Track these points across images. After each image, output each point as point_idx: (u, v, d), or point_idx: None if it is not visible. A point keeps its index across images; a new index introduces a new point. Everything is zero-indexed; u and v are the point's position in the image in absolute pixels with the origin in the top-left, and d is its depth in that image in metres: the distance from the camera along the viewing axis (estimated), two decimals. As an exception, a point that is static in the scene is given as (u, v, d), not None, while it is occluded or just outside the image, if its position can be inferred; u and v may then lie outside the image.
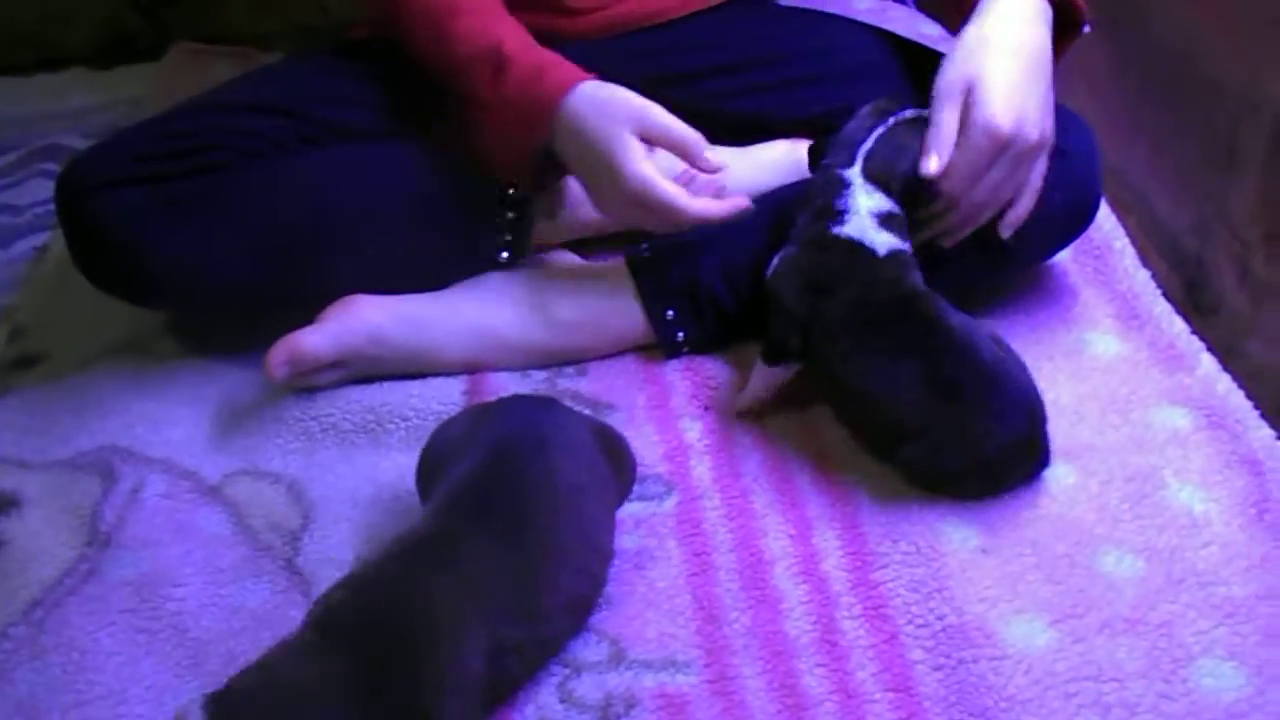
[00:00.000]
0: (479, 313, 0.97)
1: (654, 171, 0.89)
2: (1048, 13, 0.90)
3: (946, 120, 0.85)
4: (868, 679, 0.74)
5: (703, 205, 0.90)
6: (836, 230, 0.86)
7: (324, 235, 0.95)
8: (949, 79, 0.86)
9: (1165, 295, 1.00)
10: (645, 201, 0.89)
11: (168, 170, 0.93)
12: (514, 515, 0.72)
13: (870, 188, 0.87)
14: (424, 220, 0.98)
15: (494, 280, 0.99)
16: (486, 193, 0.98)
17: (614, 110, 0.89)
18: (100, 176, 0.92)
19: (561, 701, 0.73)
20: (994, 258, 0.93)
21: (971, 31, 0.88)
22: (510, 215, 0.99)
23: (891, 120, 0.89)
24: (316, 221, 0.95)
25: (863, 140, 0.88)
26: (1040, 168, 0.89)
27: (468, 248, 0.99)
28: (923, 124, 0.87)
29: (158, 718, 0.75)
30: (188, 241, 0.92)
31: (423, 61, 0.96)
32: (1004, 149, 0.85)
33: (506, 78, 0.91)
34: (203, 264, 0.93)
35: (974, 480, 0.84)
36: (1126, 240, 1.04)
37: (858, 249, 0.86)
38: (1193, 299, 1.00)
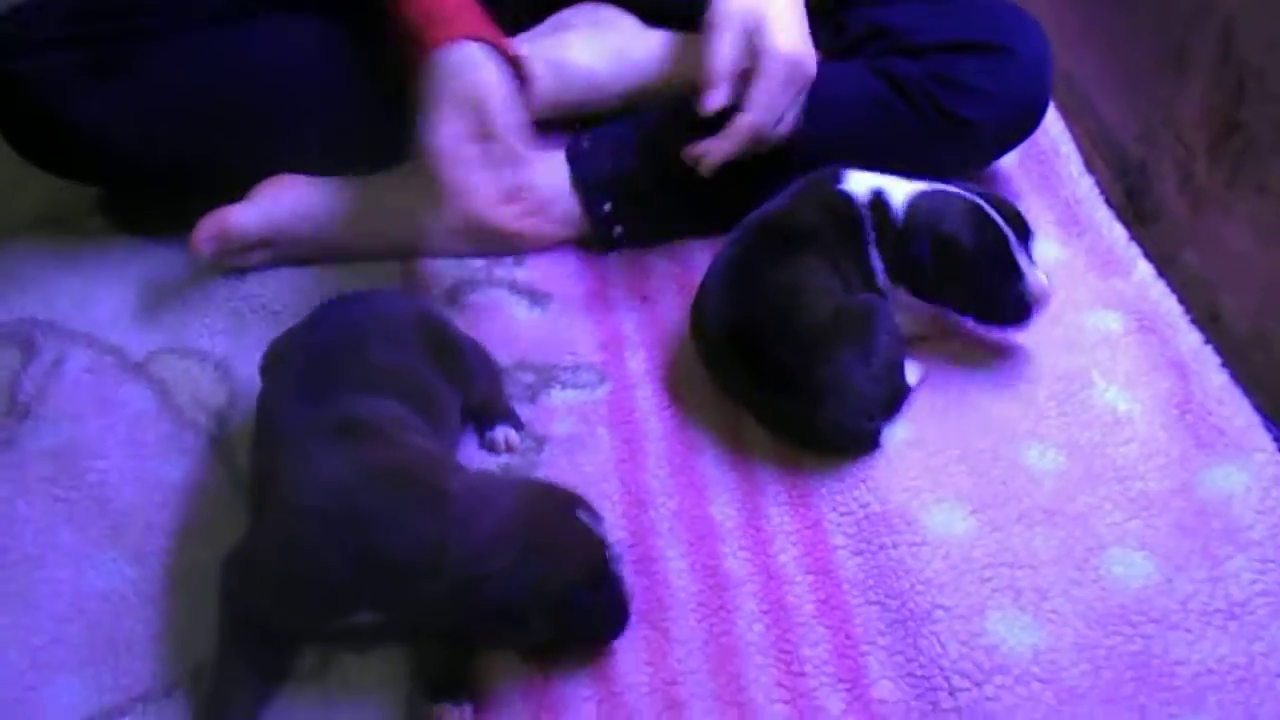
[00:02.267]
0: (416, 198, 0.95)
1: (455, 152, 0.84)
2: None
3: (726, 49, 0.84)
4: (789, 562, 0.75)
5: (496, 214, 0.87)
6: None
7: (253, 106, 0.92)
8: (728, 8, 0.84)
9: (1107, 202, 1.00)
10: (434, 173, 0.84)
11: (95, 32, 0.89)
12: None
13: None
14: (359, 97, 0.95)
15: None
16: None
17: (464, 75, 0.84)
18: (25, 36, 0.89)
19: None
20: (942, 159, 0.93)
21: None
22: None
23: None
24: (245, 91, 0.92)
25: None
26: (802, 98, 0.88)
27: (405, 129, 0.96)
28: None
29: (78, 584, 0.74)
30: (114, 106, 0.89)
31: None
32: (798, 79, 0.85)
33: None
34: (129, 132, 0.90)
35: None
36: (1073, 146, 1.04)
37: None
38: (1134, 206, 1.01)
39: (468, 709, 0.68)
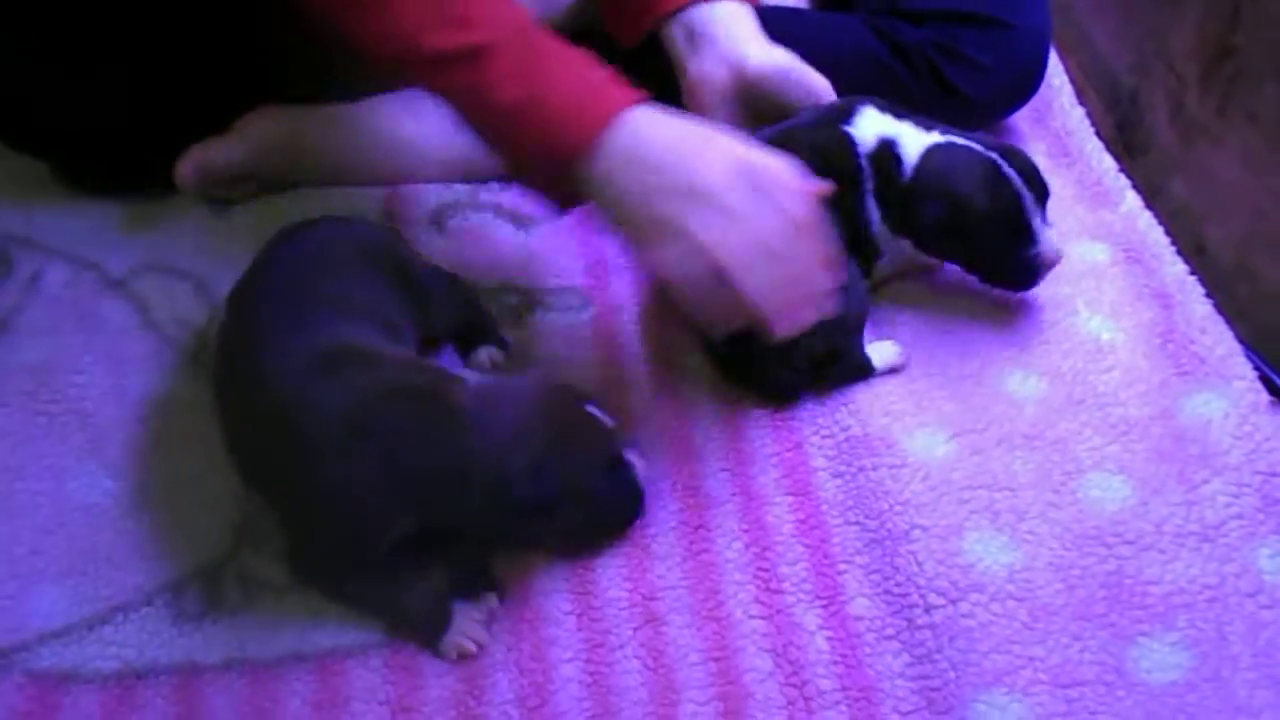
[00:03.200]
0: (400, 123, 0.94)
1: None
2: None
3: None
4: (769, 483, 0.76)
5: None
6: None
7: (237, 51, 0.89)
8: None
9: (1098, 134, 0.99)
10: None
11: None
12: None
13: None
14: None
15: (415, 91, 0.95)
16: None
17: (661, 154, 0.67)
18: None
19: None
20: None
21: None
22: None
23: None
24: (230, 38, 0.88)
25: None
26: None
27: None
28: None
29: (58, 495, 0.74)
30: (84, 81, 0.86)
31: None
32: None
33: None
34: (107, 104, 0.87)
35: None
36: (1065, 78, 1.03)
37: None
38: (1124, 138, 1.00)
39: (494, 601, 0.70)
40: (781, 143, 0.83)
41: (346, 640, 0.69)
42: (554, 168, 0.68)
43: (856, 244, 0.82)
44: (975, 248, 0.81)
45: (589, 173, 0.67)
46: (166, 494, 0.75)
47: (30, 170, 0.94)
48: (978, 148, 0.80)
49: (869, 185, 0.82)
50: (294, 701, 0.66)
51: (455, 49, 0.68)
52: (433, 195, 0.94)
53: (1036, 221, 0.79)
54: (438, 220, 0.93)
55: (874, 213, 0.82)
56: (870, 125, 0.81)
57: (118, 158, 0.91)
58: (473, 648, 0.68)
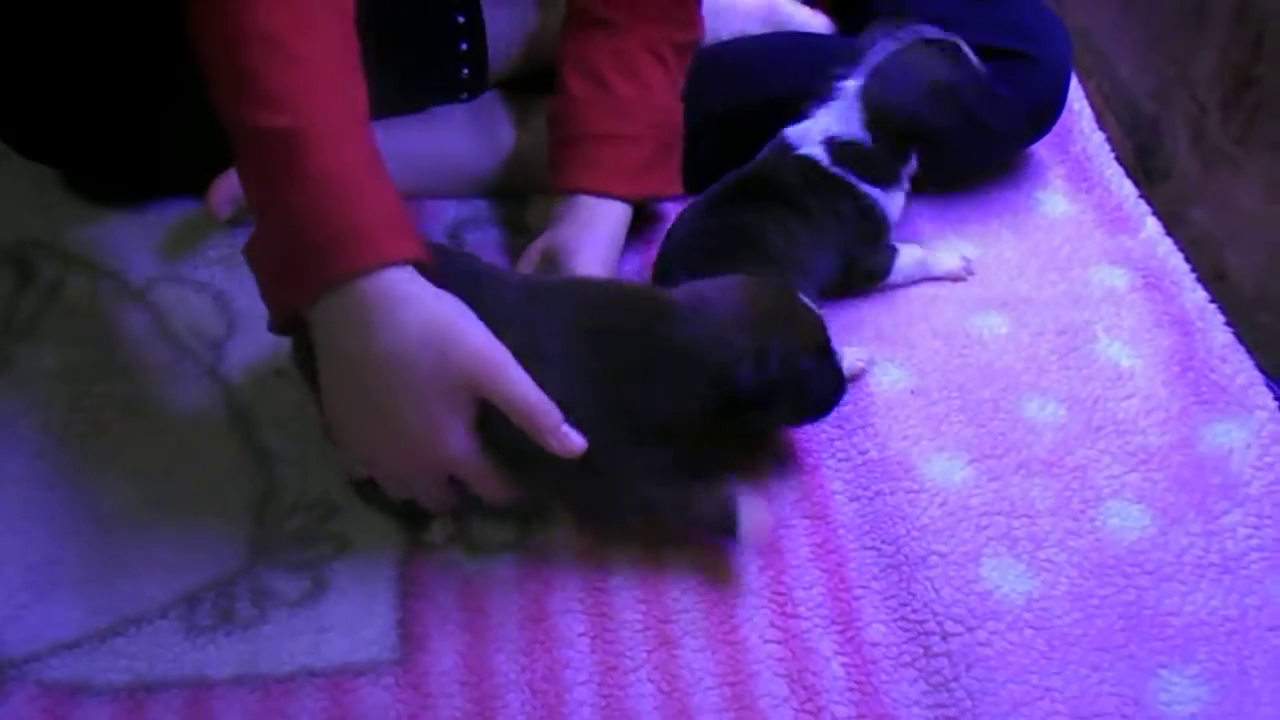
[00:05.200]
0: (426, 139, 0.94)
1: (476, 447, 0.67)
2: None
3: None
4: (786, 506, 0.75)
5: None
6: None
7: None
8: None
9: (1118, 159, 0.99)
10: (458, 473, 0.68)
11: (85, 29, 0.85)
12: None
13: (850, 111, 0.84)
14: (375, 55, 0.92)
15: (443, 108, 0.95)
16: (437, 21, 0.93)
17: (448, 349, 0.63)
18: (5, 33, 0.85)
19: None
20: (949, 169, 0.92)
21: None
22: (464, 47, 0.94)
23: (910, 37, 0.85)
24: None
25: (873, 54, 0.85)
26: None
27: (422, 84, 0.94)
28: (945, 49, 0.85)
29: (75, 505, 0.75)
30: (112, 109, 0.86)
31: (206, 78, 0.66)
32: None
33: (301, 185, 0.63)
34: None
35: None
36: (1085, 102, 1.03)
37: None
38: (1144, 164, 1.00)
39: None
40: (753, 183, 0.85)
41: (358, 657, 0.68)
42: (300, 281, 0.64)
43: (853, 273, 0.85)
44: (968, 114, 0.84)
45: (312, 316, 0.64)
46: (181, 506, 0.75)
47: (52, 177, 0.94)
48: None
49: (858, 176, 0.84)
50: (304, 718, 0.66)
51: (266, 127, 0.63)
52: (450, 210, 0.94)
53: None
54: (455, 234, 0.93)
55: (883, 199, 0.85)
56: (812, 136, 0.85)
57: (132, 168, 0.91)
58: (768, 520, 0.71)
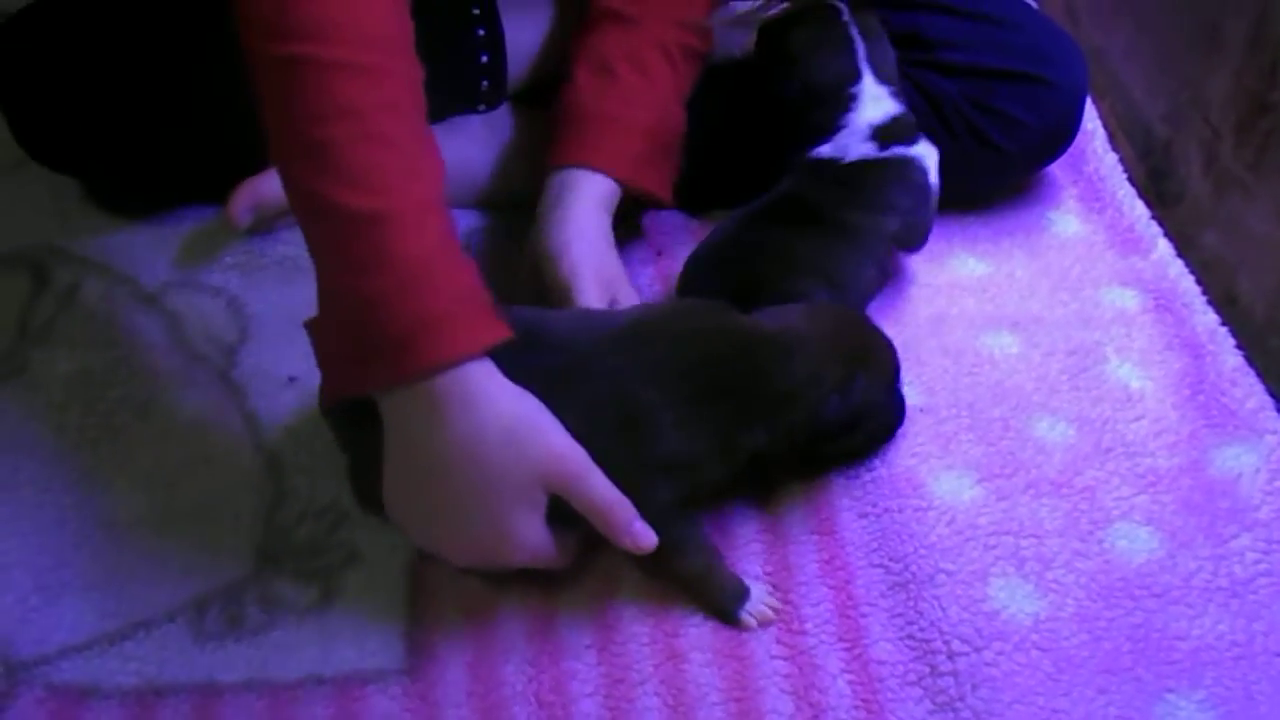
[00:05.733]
0: (446, 150, 0.94)
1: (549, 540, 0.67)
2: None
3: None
4: (794, 522, 0.75)
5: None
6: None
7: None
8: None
9: (1130, 180, 0.99)
10: (527, 564, 0.68)
11: (108, 33, 0.87)
12: None
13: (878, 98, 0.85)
14: None
15: (460, 119, 0.96)
16: (459, 35, 0.93)
17: (526, 451, 0.63)
18: (36, 42, 0.86)
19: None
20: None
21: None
22: (484, 59, 0.95)
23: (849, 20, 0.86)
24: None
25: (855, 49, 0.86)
26: None
27: (442, 95, 0.94)
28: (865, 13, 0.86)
29: (86, 509, 0.75)
30: (131, 114, 0.87)
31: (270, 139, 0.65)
32: None
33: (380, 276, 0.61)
34: (159, 145, 0.88)
35: None
36: (1098, 123, 1.03)
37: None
38: (1156, 187, 1.00)
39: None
40: (787, 203, 0.85)
41: (366, 665, 0.69)
42: (371, 369, 0.63)
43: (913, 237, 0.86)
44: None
45: (381, 399, 0.63)
46: (192, 511, 0.75)
47: (69, 183, 0.95)
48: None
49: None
50: (312, 725, 0.66)
51: (347, 207, 0.62)
52: (463, 221, 0.95)
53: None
54: (467, 244, 0.93)
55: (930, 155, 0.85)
56: (855, 141, 0.85)
57: (150, 176, 0.92)
58: (772, 616, 0.70)
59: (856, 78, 0.85)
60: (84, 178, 0.94)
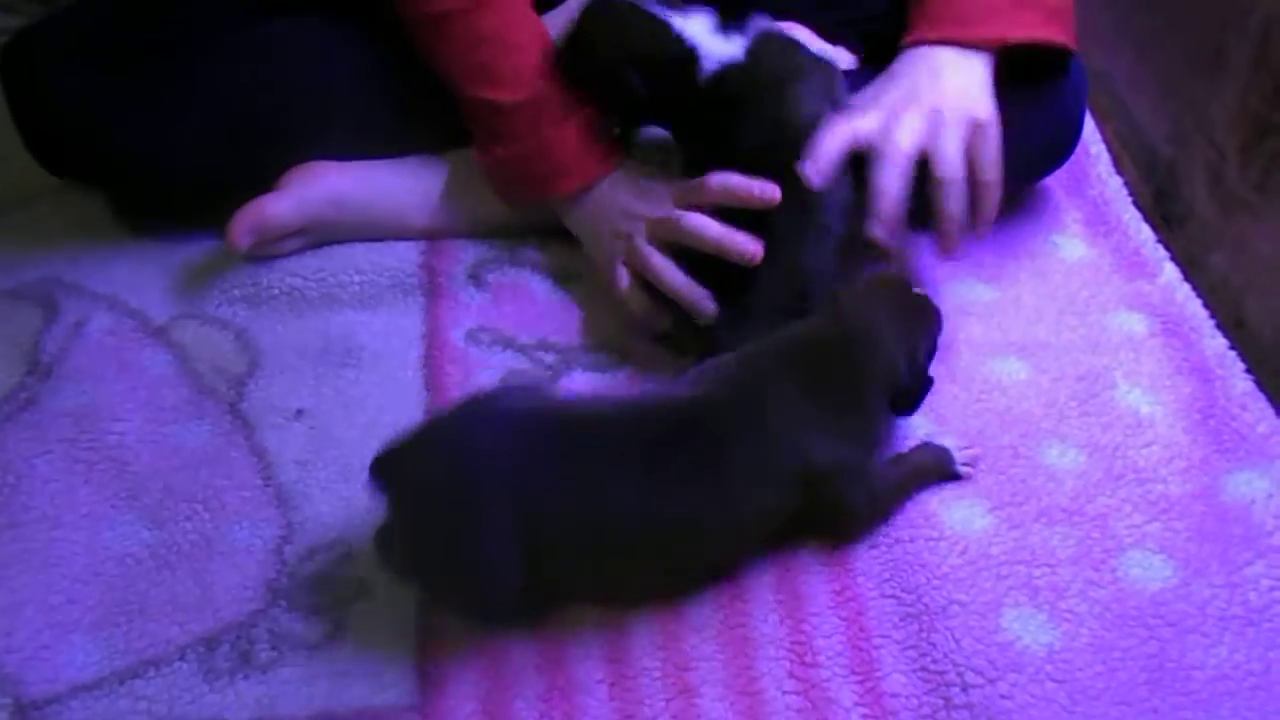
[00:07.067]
0: (442, 179, 0.95)
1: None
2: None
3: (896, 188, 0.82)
4: (805, 553, 0.75)
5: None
6: None
7: (288, 113, 0.91)
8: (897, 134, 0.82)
9: (1135, 204, 0.99)
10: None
11: (121, 44, 0.88)
12: None
13: None
14: (386, 97, 0.93)
15: (459, 149, 0.96)
16: None
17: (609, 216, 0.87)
18: (52, 52, 0.87)
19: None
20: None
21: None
22: None
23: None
24: (277, 97, 0.91)
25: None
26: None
27: (433, 127, 0.95)
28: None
29: (95, 545, 0.75)
30: (145, 124, 0.88)
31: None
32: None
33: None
34: (161, 148, 0.89)
35: None
36: (1102, 146, 1.03)
37: None
38: (1162, 208, 1.00)
39: None
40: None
41: (377, 701, 0.68)
42: (531, 197, 0.90)
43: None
44: None
45: (563, 214, 0.91)
46: (201, 547, 0.75)
47: (77, 215, 0.95)
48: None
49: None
50: (323, 762, 0.66)
51: (487, 100, 0.87)
52: (471, 250, 0.95)
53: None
54: (475, 274, 0.93)
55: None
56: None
57: (176, 194, 0.93)
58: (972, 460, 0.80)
59: None
60: (97, 182, 0.94)
